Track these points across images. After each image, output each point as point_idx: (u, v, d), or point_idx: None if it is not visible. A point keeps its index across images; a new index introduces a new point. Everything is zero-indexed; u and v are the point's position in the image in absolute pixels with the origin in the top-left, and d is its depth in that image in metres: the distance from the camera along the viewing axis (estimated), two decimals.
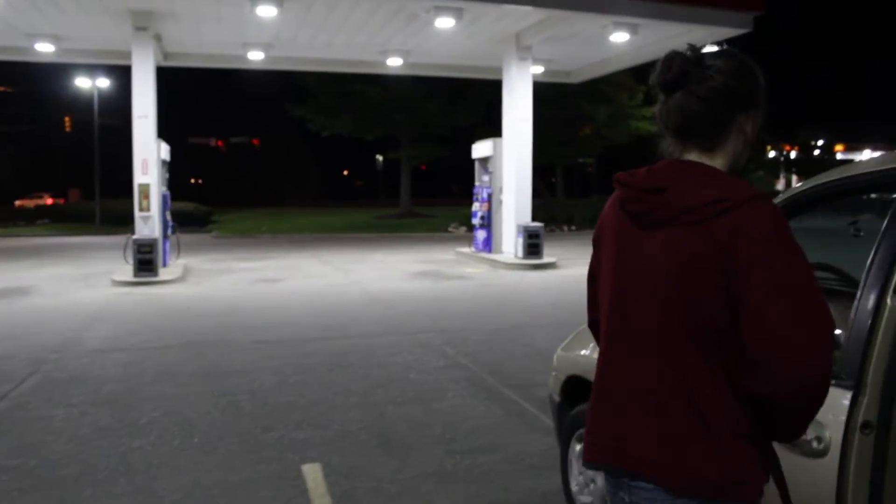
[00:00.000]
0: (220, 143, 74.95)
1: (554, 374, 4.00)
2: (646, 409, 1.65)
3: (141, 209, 15.37)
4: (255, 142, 72.61)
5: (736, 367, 1.57)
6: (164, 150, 16.79)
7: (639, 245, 1.68)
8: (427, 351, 8.31)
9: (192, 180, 61.90)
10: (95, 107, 36.33)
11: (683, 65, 1.63)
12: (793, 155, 59.18)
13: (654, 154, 1.76)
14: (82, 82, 36.19)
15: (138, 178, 15.37)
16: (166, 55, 18.74)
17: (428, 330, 9.48)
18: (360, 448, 5.16)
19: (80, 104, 45.26)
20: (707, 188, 1.60)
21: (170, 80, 52.45)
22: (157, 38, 16.24)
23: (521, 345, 8.63)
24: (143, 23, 15.17)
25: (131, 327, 10.03)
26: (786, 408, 1.55)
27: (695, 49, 1.66)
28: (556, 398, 3.94)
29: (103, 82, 35.90)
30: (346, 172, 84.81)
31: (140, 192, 15.35)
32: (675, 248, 1.61)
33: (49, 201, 45.93)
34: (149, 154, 15.51)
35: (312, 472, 4.71)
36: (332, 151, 64.94)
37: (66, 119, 55.29)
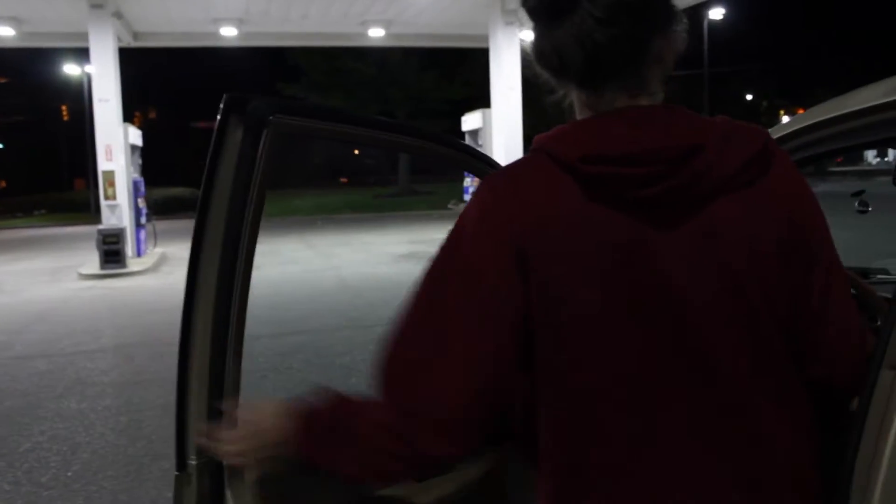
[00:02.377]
0: None
1: None
2: None
3: (106, 197, 14.59)
4: None
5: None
6: (135, 135, 15.98)
7: (654, 252, 1.02)
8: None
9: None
10: (86, 93, 35.50)
11: None
12: None
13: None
14: (71, 69, 35.40)
15: (102, 164, 14.59)
16: (136, 35, 17.83)
17: (391, 322, 8.61)
18: None
19: (75, 92, 44.55)
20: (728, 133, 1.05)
21: (166, 68, 51.74)
22: (118, 15, 15.33)
23: None
24: (98, 0, 14.28)
25: (72, 327, 9.24)
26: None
27: None
28: None
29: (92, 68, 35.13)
30: (356, 152, 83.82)
31: (105, 180, 14.55)
32: (728, 236, 1.03)
33: None
34: (113, 140, 14.70)
35: None
36: None
37: (63, 108, 54.68)
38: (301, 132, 1.44)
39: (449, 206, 29.29)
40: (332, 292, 11.09)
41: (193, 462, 1.39)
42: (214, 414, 1.39)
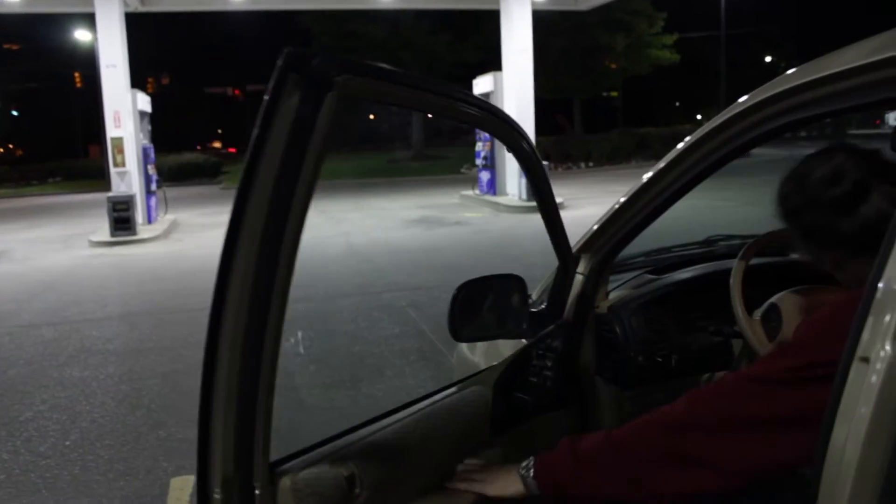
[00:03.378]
0: (237, 91, 73.66)
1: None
2: None
3: (116, 164, 14.55)
4: None
5: None
6: (143, 101, 15.88)
7: None
8: (387, 314, 7.38)
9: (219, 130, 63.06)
10: (98, 60, 35.34)
11: (862, 175, 1.24)
12: None
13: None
14: (83, 35, 35.17)
15: (111, 131, 14.55)
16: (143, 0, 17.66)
17: (398, 288, 8.55)
18: None
19: (87, 58, 44.35)
20: None
21: (180, 33, 51.46)
22: None
23: None
24: None
25: (80, 295, 9.24)
26: None
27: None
28: None
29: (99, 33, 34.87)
30: (372, 116, 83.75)
31: (113, 147, 14.51)
32: None
33: None
34: (121, 106, 14.64)
35: (179, 488, 3.84)
36: None
37: (77, 75, 54.55)
38: (370, 96, 1.22)
39: (462, 170, 29.09)
40: (341, 258, 11.03)
41: (218, 496, 1.15)
42: (246, 434, 1.15)
